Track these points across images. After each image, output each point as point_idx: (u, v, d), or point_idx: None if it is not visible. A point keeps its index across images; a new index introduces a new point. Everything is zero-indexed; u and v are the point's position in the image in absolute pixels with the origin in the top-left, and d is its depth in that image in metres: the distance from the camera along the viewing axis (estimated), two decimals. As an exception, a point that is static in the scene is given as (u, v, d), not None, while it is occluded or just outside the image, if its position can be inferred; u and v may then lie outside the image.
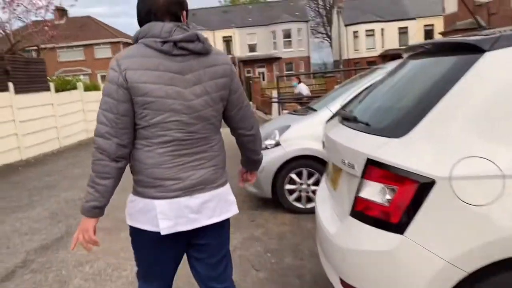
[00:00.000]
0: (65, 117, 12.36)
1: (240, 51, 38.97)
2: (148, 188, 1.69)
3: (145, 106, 1.61)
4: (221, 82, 1.72)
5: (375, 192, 1.77)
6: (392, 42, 38.68)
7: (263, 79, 35.10)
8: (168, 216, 1.68)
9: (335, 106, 4.46)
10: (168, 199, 1.68)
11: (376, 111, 2.22)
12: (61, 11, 35.60)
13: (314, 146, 4.39)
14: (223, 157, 1.85)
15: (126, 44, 40.32)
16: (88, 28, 38.93)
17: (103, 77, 37.22)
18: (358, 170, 1.84)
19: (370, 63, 38.73)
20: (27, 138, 10.39)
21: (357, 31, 39.02)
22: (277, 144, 4.54)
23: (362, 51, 38.93)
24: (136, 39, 1.68)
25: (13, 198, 6.33)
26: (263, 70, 39.44)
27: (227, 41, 40.19)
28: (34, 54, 12.92)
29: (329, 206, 2.39)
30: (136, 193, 1.75)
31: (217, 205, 1.77)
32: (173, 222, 1.68)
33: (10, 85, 9.88)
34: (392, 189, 1.70)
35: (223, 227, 1.88)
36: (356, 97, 4.37)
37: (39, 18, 12.68)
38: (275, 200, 4.70)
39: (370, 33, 38.77)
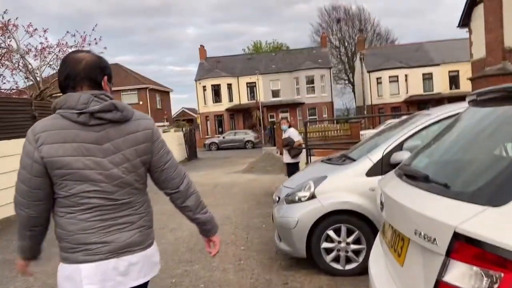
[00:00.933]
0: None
1: (263, 96, 39.31)
2: (74, 253, 1.67)
3: (64, 177, 1.64)
4: (142, 148, 1.75)
5: (466, 276, 1.36)
6: (416, 88, 38.43)
7: (286, 124, 34.98)
8: (93, 280, 1.65)
9: (376, 155, 4.07)
10: (94, 262, 1.66)
11: (452, 168, 1.83)
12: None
13: (354, 200, 3.98)
14: (150, 217, 1.86)
15: (153, 91, 41.35)
16: (117, 75, 40.15)
17: (128, 122, 37.81)
18: (441, 246, 1.44)
19: (394, 109, 38.46)
20: (50, 183, 10.26)
21: (380, 77, 38.98)
22: (312, 197, 4.14)
23: (386, 97, 38.69)
24: (53, 109, 1.69)
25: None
26: (286, 115, 39.45)
27: (251, 86, 40.69)
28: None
29: (387, 280, 1.97)
30: (62, 259, 1.73)
31: (143, 267, 1.78)
32: (99, 287, 1.66)
33: (37, 130, 9.90)
34: (492, 275, 1.28)
35: (145, 285, 1.87)
36: (399, 145, 4.00)
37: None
38: (310, 260, 4.24)
39: (394, 79, 38.64)
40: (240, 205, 8.50)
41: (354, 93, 54.61)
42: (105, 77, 1.76)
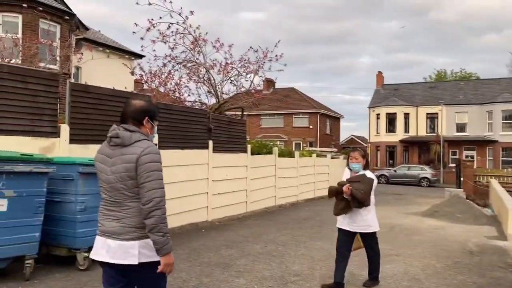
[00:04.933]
0: (256, 181, 11.79)
1: (446, 129, 34.92)
2: None
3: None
4: (128, 166, 2.46)
5: None
6: None
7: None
8: (95, 246, 2.58)
9: None
10: (96, 235, 2.59)
11: None
12: (269, 82, 38.62)
13: None
14: (135, 220, 2.48)
15: (323, 116, 40.91)
16: (290, 98, 41.06)
17: (297, 145, 38.10)
18: None
19: None
20: (216, 198, 9.96)
21: None
22: None
23: None
24: None
25: (182, 275, 5.31)
26: (473, 153, 34.21)
27: (432, 118, 36.71)
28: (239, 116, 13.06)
29: None
30: None
31: (117, 251, 2.47)
32: (94, 252, 2.58)
33: (210, 143, 9.72)
34: None
35: (140, 271, 2.48)
36: None
37: (248, 82, 12.86)
38: None
39: None
40: (429, 261, 6.56)
41: None
42: (146, 117, 2.63)
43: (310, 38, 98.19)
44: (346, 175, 5.10)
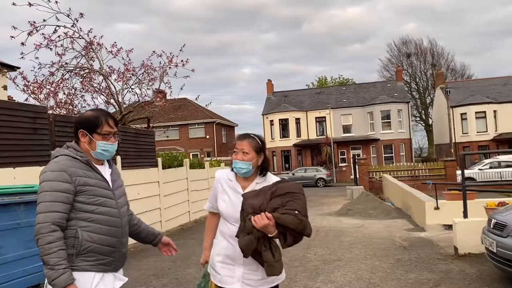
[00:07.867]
0: (169, 197, 10.79)
1: (334, 131, 37.16)
2: None
3: None
4: None
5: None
6: (506, 125, 34.52)
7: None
8: None
9: None
10: None
11: None
12: (161, 93, 37.16)
13: None
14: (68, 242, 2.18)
15: (219, 125, 40.65)
16: (184, 109, 40.03)
17: (194, 156, 37.17)
18: None
19: (482, 148, 34.73)
20: (129, 221, 8.76)
21: (465, 113, 35.64)
22: None
23: (472, 135, 35.15)
24: None
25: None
26: (359, 152, 36.89)
27: (320, 121, 38.79)
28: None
29: None
30: None
31: None
32: None
33: (118, 159, 8.53)
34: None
35: None
36: None
37: (150, 91, 11.83)
38: None
39: (481, 115, 35.15)
40: (373, 262, 6.39)
41: (429, 131, 51.09)
42: (79, 131, 2.24)
43: (193, 50, 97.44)
44: (223, 186, 2.60)
